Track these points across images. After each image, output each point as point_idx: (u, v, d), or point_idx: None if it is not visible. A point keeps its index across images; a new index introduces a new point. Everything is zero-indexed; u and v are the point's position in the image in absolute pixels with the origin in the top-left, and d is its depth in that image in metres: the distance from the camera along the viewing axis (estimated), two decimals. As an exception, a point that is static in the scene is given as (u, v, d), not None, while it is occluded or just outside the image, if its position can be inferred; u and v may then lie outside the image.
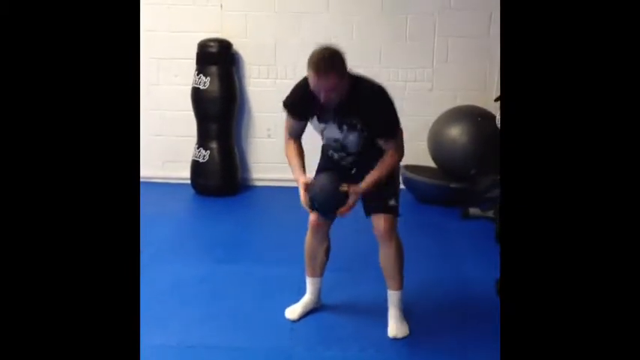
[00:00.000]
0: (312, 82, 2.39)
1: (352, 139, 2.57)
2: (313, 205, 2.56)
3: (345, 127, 2.55)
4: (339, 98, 2.43)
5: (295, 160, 2.66)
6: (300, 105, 2.57)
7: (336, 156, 2.70)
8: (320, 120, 2.57)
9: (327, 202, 2.54)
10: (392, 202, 2.64)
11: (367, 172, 2.59)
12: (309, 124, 2.66)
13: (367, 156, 2.60)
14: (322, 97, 2.40)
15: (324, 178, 2.57)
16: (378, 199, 2.63)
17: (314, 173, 2.70)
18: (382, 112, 2.51)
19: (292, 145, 2.69)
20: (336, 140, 2.61)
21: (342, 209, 2.54)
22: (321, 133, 2.66)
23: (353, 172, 2.67)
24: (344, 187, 2.52)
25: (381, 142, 2.55)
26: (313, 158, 2.78)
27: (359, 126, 2.52)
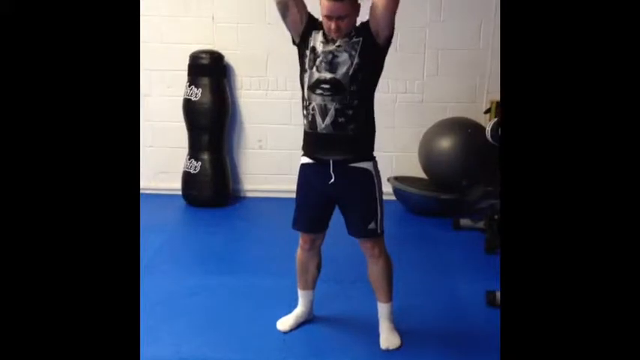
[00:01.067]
0: (324, 9, 2.34)
1: (345, 56, 2.43)
2: None
3: (342, 44, 2.43)
4: (350, 27, 2.39)
5: None
6: (313, 18, 2.49)
7: (320, 97, 2.46)
8: (323, 35, 2.46)
9: None
10: (371, 226, 2.58)
11: (349, 190, 2.55)
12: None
13: (356, 93, 2.46)
14: (333, 26, 2.36)
15: None
16: (358, 223, 2.61)
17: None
18: None
19: None
20: (328, 53, 2.44)
21: None
22: (317, 46, 2.47)
23: (339, 122, 2.47)
24: None
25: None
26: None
27: (360, 43, 2.43)
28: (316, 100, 2.48)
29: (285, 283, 3.18)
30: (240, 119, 4.97)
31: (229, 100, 4.82)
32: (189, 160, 4.78)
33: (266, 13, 4.74)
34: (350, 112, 2.46)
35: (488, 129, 3.96)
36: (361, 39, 2.44)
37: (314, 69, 2.48)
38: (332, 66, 2.45)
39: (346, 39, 2.44)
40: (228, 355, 2.66)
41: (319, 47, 2.47)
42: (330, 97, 2.45)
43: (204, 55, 4.68)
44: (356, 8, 2.41)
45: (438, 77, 4.83)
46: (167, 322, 2.90)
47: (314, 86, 2.48)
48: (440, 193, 4.51)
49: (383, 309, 2.77)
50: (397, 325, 2.80)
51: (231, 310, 3.05)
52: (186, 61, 4.71)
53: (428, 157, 4.58)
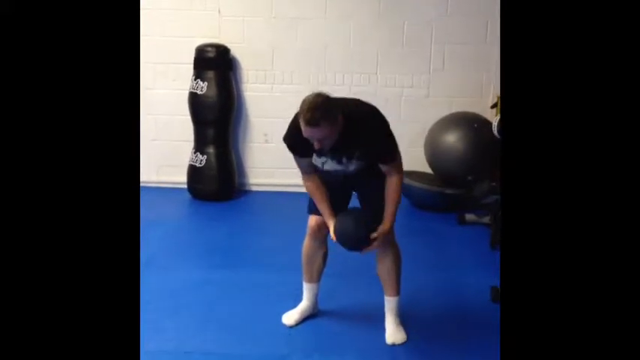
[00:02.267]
0: (304, 132, 2.35)
1: (353, 167, 2.56)
2: (341, 243, 2.60)
3: (344, 160, 2.54)
4: (334, 141, 2.40)
5: (320, 203, 2.66)
6: (298, 142, 2.49)
7: (332, 178, 2.67)
8: (318, 155, 2.54)
9: (352, 241, 2.58)
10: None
11: (366, 182, 2.62)
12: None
13: (367, 172, 2.60)
14: (315, 144, 2.38)
15: (347, 222, 2.57)
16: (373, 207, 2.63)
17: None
18: (380, 139, 2.49)
19: (311, 183, 2.67)
20: (337, 170, 2.60)
21: (367, 248, 2.58)
22: (321, 165, 2.61)
23: (352, 184, 2.68)
24: (373, 236, 2.54)
25: (382, 167, 2.54)
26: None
27: (357, 154, 2.51)
28: (328, 178, 2.66)
29: (290, 277, 3.17)
30: (246, 113, 4.96)
31: (235, 93, 4.82)
32: (194, 153, 4.78)
33: (272, 7, 4.73)
34: (364, 175, 2.61)
35: (494, 124, 3.95)
36: (363, 163, 2.54)
37: (323, 165, 2.59)
38: (344, 174, 2.61)
39: (354, 160, 2.54)
40: (233, 349, 2.66)
41: (324, 166, 2.59)
42: (343, 177, 2.65)
43: (210, 49, 4.67)
44: (334, 127, 2.37)
45: (444, 72, 4.81)
46: (171, 316, 2.90)
47: (325, 172, 2.64)
48: (445, 188, 4.49)
49: (390, 303, 2.77)
50: (403, 320, 2.79)
51: (236, 304, 3.05)
52: (192, 55, 4.70)
53: (434, 151, 4.57)
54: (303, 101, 2.35)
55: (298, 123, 2.37)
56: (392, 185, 2.56)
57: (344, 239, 2.56)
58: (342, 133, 2.40)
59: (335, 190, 2.69)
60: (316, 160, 2.59)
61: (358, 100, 2.58)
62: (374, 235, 2.54)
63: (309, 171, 2.64)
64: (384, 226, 2.56)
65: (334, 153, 2.50)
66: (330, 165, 2.57)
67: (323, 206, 2.64)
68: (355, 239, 2.55)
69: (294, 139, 2.51)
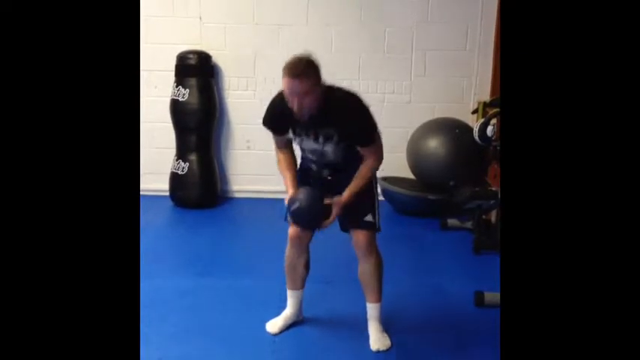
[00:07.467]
0: (285, 87, 2.37)
1: (330, 149, 2.55)
2: (293, 218, 2.56)
3: (321, 139, 2.53)
4: (313, 109, 2.41)
5: (286, 172, 2.67)
6: (278, 120, 2.57)
7: (314, 167, 2.69)
8: (295, 133, 2.56)
9: (306, 216, 2.54)
10: (368, 218, 2.62)
11: (347, 179, 2.58)
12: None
13: (346, 163, 2.59)
14: (296, 104, 2.37)
15: (305, 192, 2.55)
16: (355, 215, 2.63)
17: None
18: (358, 120, 2.50)
19: (283, 156, 2.69)
20: (314, 151, 2.59)
21: (325, 222, 2.55)
22: (299, 145, 2.64)
23: (332, 180, 2.66)
24: (327, 201, 2.52)
25: (360, 149, 2.55)
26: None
27: (335, 137, 2.51)
28: (309, 164, 2.69)
29: (274, 284, 3.17)
30: (228, 120, 4.96)
31: (217, 100, 4.81)
32: (176, 161, 4.76)
33: (254, 14, 4.73)
34: (342, 167, 2.61)
35: (475, 129, 3.98)
36: (341, 146, 2.55)
37: (305, 152, 2.65)
38: (322, 156, 2.61)
39: (331, 142, 2.52)
40: (217, 357, 2.64)
41: (302, 145, 2.62)
42: (321, 166, 2.65)
43: (191, 56, 4.66)
44: (316, 88, 2.40)
45: (426, 78, 4.85)
46: (154, 325, 2.88)
47: (305, 154, 2.67)
48: (428, 194, 4.52)
49: (372, 309, 2.77)
50: (386, 326, 2.80)
51: (220, 312, 3.03)
52: (173, 62, 4.68)
53: (416, 157, 4.59)
54: (287, 60, 2.40)
55: (278, 100, 2.50)
56: (366, 166, 2.56)
57: (298, 212, 2.53)
58: (321, 108, 2.42)
59: None
60: (295, 139, 2.60)
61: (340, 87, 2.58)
62: (327, 201, 2.52)
63: (284, 145, 2.69)
64: (342, 197, 2.55)
65: (310, 128, 2.50)
66: (307, 144, 2.58)
67: (288, 174, 2.66)
68: (308, 211, 2.52)
69: (274, 116, 2.60)
